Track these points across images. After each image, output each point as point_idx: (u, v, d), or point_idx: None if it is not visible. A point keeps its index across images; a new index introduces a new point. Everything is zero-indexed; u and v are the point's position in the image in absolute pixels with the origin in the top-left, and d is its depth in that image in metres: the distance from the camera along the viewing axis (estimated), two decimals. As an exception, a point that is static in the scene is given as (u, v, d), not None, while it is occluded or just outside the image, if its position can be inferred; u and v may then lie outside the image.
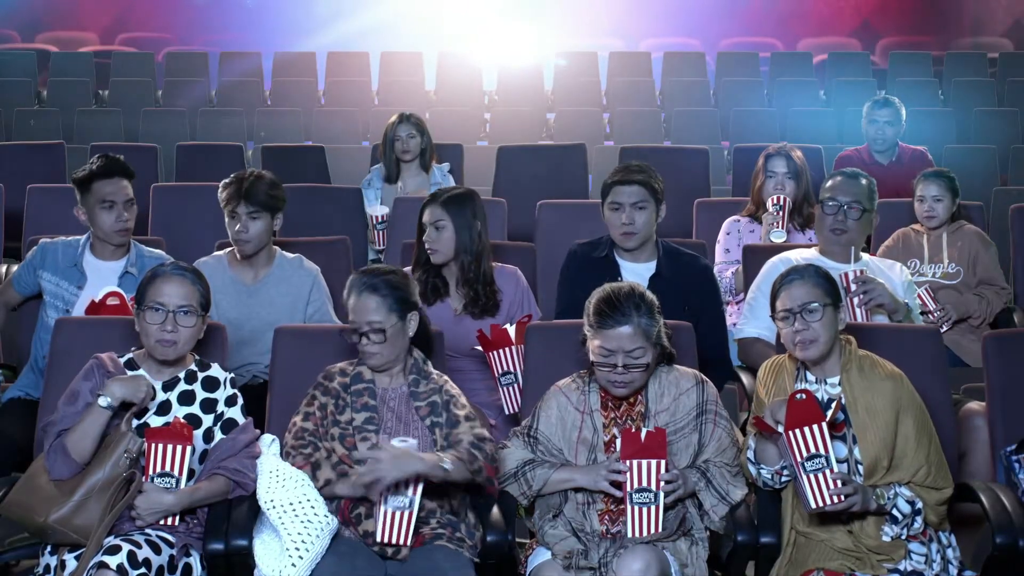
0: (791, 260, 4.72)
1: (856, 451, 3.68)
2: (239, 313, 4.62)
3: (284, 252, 4.83)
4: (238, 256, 4.76)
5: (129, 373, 3.73)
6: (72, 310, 4.60)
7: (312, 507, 3.59)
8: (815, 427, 3.53)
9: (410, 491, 3.54)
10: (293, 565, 3.50)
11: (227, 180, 4.75)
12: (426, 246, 4.65)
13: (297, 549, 3.52)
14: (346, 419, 3.75)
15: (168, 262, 3.95)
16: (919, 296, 5.02)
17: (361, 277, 3.82)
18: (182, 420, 3.66)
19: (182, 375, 3.79)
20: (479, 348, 4.50)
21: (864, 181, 4.78)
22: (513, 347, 4.41)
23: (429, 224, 4.64)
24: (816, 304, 3.73)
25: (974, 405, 4.32)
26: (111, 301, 4.42)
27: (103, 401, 3.59)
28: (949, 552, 3.68)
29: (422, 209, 4.70)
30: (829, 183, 4.81)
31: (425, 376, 3.83)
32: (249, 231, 4.66)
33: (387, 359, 3.79)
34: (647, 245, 4.68)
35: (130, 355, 3.81)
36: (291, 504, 3.58)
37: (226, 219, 4.73)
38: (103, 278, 4.65)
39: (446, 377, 3.89)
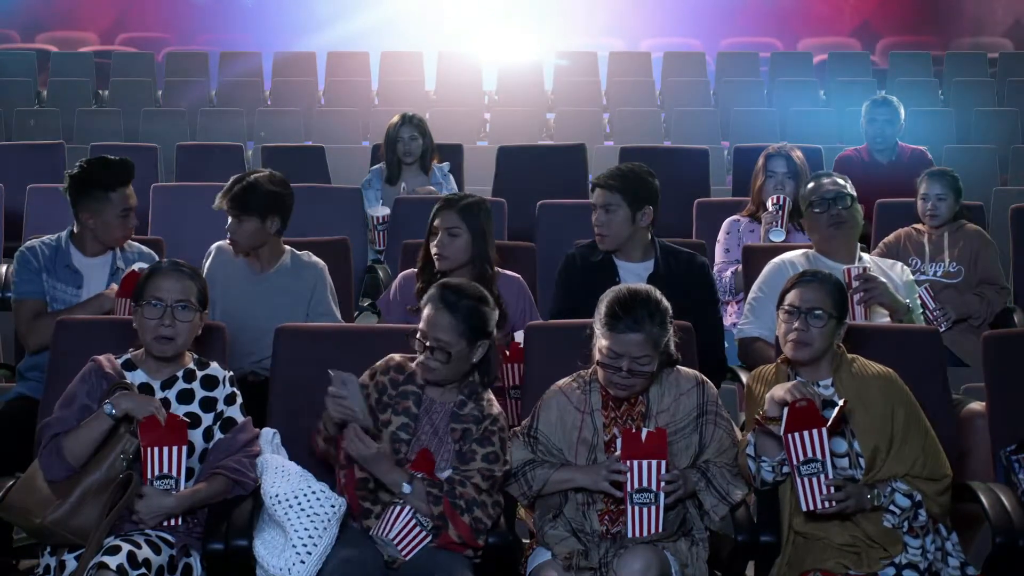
0: (793, 261, 4.73)
1: (856, 445, 3.69)
2: (245, 300, 4.65)
3: (294, 249, 4.83)
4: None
5: (128, 375, 3.72)
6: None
7: (317, 498, 3.59)
8: (814, 431, 3.54)
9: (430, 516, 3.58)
10: (302, 562, 3.50)
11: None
12: (433, 251, 4.54)
13: (304, 545, 3.51)
14: (385, 418, 3.73)
15: (165, 260, 3.96)
16: (919, 296, 5.02)
17: (444, 292, 3.69)
18: (176, 414, 3.63)
19: (180, 374, 3.78)
20: None
21: (839, 177, 4.86)
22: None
23: (442, 229, 4.52)
24: (822, 312, 3.76)
25: (976, 406, 4.32)
26: None
27: (108, 408, 3.57)
28: (948, 545, 3.68)
29: (434, 214, 4.58)
30: (810, 186, 4.87)
31: (476, 399, 3.74)
32: (235, 232, 4.70)
33: (444, 377, 3.71)
34: (636, 246, 4.66)
35: (128, 356, 3.80)
36: (295, 497, 3.57)
37: None
38: (98, 275, 4.65)
39: (500, 409, 3.77)
